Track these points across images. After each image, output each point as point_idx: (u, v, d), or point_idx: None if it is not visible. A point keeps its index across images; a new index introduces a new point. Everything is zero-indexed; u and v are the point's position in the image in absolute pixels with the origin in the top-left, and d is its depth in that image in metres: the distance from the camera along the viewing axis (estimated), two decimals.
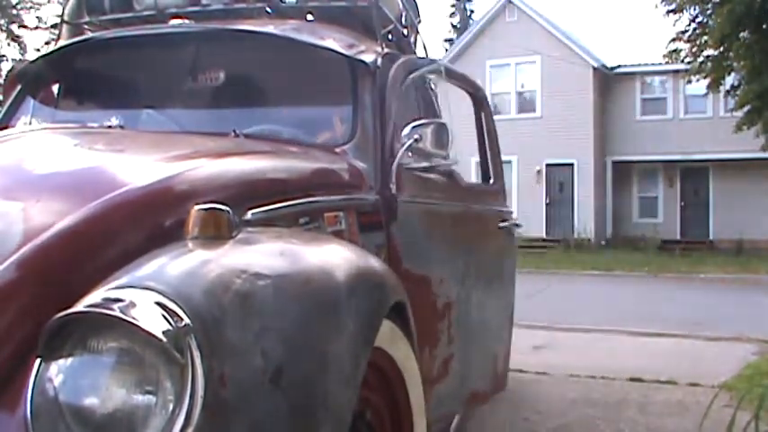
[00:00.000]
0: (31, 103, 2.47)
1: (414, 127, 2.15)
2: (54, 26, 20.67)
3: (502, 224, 3.07)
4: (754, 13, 13.26)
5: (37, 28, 23.42)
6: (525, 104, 20.37)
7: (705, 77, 15.30)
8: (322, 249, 1.36)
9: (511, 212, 3.34)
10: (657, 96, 19.58)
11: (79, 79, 2.56)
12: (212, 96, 2.36)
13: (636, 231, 19.49)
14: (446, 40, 35.75)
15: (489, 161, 3.13)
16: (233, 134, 1.98)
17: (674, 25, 15.57)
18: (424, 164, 2.24)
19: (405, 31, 2.98)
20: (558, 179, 19.83)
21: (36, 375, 1.00)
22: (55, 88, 2.58)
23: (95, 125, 2.02)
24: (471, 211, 2.78)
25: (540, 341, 5.62)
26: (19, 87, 2.48)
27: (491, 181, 3.18)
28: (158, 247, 1.18)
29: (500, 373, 3.10)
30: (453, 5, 36.96)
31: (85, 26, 2.76)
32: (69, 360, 0.99)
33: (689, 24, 15.28)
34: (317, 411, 1.08)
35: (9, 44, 23.28)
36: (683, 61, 15.82)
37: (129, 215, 1.28)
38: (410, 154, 2.18)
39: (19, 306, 1.10)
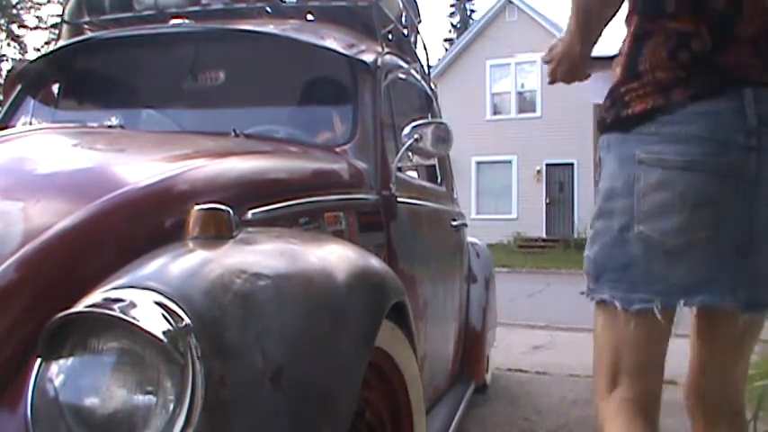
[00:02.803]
0: (31, 103, 2.47)
1: (414, 127, 2.16)
2: (54, 26, 20.69)
3: (453, 223, 3.09)
4: None
5: (37, 28, 23.41)
6: (525, 104, 20.38)
7: None
8: (322, 249, 1.36)
9: (461, 213, 3.34)
10: None
11: (79, 79, 2.56)
12: (212, 96, 2.37)
13: None
14: (446, 40, 35.78)
15: (437, 163, 3.12)
16: (233, 134, 1.98)
17: None
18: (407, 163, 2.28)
19: (405, 31, 2.99)
20: (558, 179, 19.84)
21: (36, 375, 1.00)
22: (55, 88, 2.58)
23: (95, 125, 2.02)
24: (437, 210, 2.83)
25: (540, 341, 5.63)
26: (19, 87, 2.48)
27: (439, 182, 3.17)
28: (158, 247, 1.18)
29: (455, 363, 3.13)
30: (453, 5, 36.98)
31: (85, 26, 2.76)
32: (69, 360, 0.99)
33: None
34: (317, 412, 1.08)
35: (9, 44, 23.29)
36: None
37: (130, 215, 1.28)
38: (410, 154, 2.19)
39: (19, 306, 1.10)
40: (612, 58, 1.48)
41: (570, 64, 1.53)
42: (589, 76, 1.55)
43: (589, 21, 1.43)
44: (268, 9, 2.67)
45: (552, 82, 1.61)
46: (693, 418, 1.51)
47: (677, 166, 1.28)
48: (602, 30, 1.45)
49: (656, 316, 1.30)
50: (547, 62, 1.58)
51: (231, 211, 1.25)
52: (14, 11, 23.09)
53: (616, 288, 1.35)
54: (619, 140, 1.37)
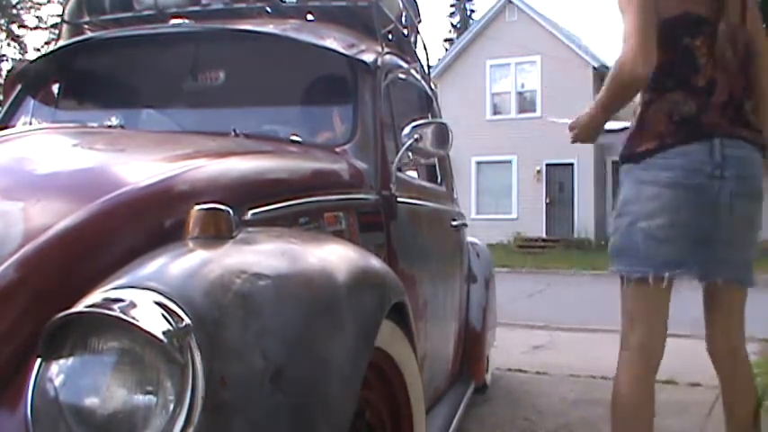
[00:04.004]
0: (31, 103, 2.47)
1: (414, 127, 2.15)
2: (54, 26, 20.69)
3: (453, 223, 3.09)
4: None
5: (37, 28, 23.43)
6: (525, 104, 20.37)
7: None
8: (322, 249, 1.36)
9: (461, 213, 3.34)
10: None
11: (79, 79, 2.56)
12: (212, 96, 2.36)
13: None
14: (446, 40, 35.79)
15: (437, 162, 3.11)
16: (233, 134, 1.98)
17: None
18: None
19: (405, 31, 2.99)
20: (558, 179, 19.84)
21: (36, 375, 1.00)
22: (55, 88, 2.58)
23: (95, 125, 2.02)
24: (437, 210, 2.82)
25: (540, 341, 5.63)
26: (19, 87, 2.48)
27: (439, 182, 3.16)
28: (158, 247, 1.18)
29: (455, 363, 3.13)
30: (453, 5, 36.99)
31: (85, 26, 2.76)
32: (69, 360, 0.99)
33: None
34: (317, 412, 1.08)
35: (9, 44, 23.29)
36: None
37: (130, 215, 1.28)
38: (410, 154, 2.19)
39: (19, 306, 1.10)
40: (617, 131, 2.22)
41: (590, 131, 2.16)
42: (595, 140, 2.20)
43: (619, 105, 2.06)
44: (268, 9, 2.67)
45: (574, 141, 2.22)
46: (712, 359, 2.20)
47: (665, 185, 1.95)
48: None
49: (649, 284, 1.97)
50: (571, 128, 2.19)
51: (231, 211, 1.25)
52: (14, 11, 23.09)
53: (627, 264, 2.02)
54: (631, 168, 2.04)
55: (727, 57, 1.99)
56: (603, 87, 2.04)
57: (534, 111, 19.99)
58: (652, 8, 1.93)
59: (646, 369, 2.05)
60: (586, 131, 2.15)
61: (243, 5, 2.64)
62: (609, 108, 2.08)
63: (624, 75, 1.93)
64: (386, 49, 2.48)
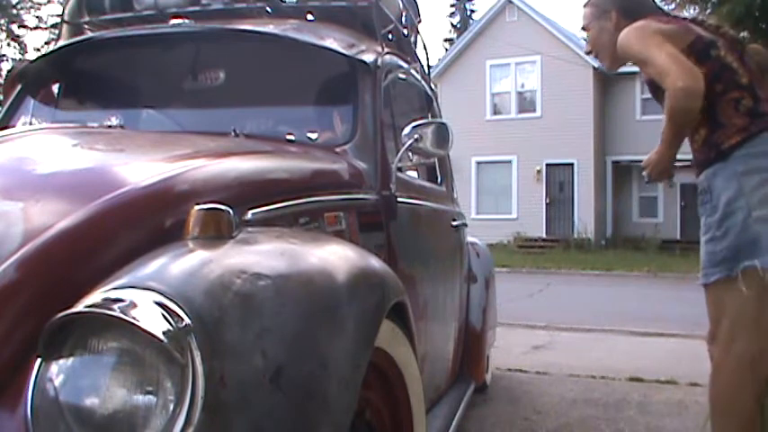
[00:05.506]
0: (31, 103, 2.47)
1: (414, 127, 2.15)
2: (54, 26, 20.70)
3: (453, 223, 3.09)
4: (753, 14, 13.26)
5: (37, 28, 23.45)
6: (525, 104, 20.37)
7: None
8: (322, 249, 1.36)
9: (461, 213, 3.34)
10: None
11: (79, 79, 2.56)
12: (212, 96, 2.36)
13: (636, 231, 19.50)
14: (446, 40, 35.80)
15: (437, 162, 3.10)
16: (233, 134, 1.98)
17: None
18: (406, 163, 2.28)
19: (405, 31, 2.99)
20: (558, 179, 19.84)
21: (36, 375, 1.00)
22: (55, 88, 2.58)
23: (95, 125, 2.02)
24: (437, 210, 2.82)
25: (540, 341, 5.63)
26: (19, 87, 2.48)
27: (439, 182, 3.16)
28: (158, 247, 1.18)
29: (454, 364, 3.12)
30: (453, 5, 37.00)
31: (85, 26, 2.76)
32: (69, 360, 0.99)
33: None
34: (317, 412, 1.08)
35: (9, 44, 23.30)
36: None
37: (130, 215, 1.28)
38: (410, 154, 2.19)
39: (19, 306, 1.10)
40: (684, 161, 2.28)
41: (662, 167, 2.24)
42: (673, 175, 2.27)
43: (687, 130, 2.16)
44: (268, 9, 2.67)
45: (649, 182, 2.34)
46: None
47: (766, 170, 2.04)
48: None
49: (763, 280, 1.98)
50: (644, 167, 2.28)
51: (231, 211, 1.25)
52: (14, 11, 23.10)
53: (752, 256, 2.00)
54: (721, 167, 2.10)
55: (747, 60, 2.22)
56: (665, 122, 2.12)
57: (534, 111, 19.98)
58: (668, 41, 2.10)
59: (753, 379, 2.02)
60: (659, 168, 2.24)
61: (243, 5, 2.64)
62: (676, 137, 2.17)
63: (680, 96, 2.03)
64: (386, 49, 2.48)
